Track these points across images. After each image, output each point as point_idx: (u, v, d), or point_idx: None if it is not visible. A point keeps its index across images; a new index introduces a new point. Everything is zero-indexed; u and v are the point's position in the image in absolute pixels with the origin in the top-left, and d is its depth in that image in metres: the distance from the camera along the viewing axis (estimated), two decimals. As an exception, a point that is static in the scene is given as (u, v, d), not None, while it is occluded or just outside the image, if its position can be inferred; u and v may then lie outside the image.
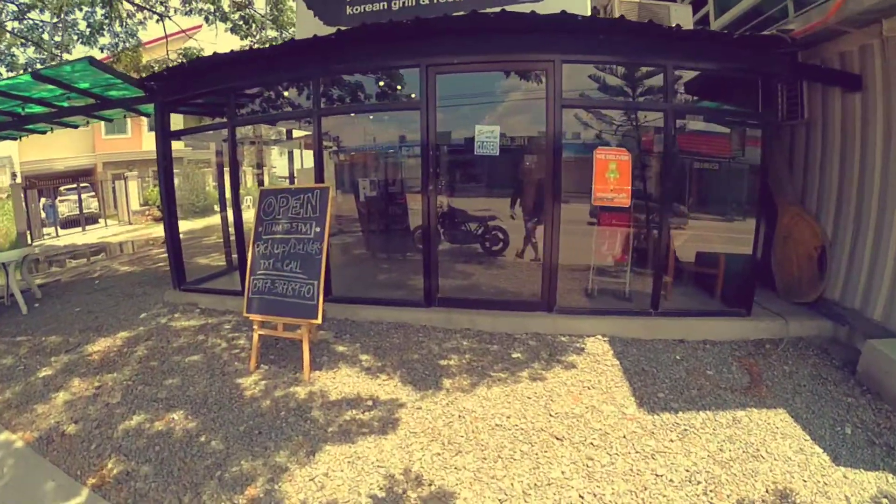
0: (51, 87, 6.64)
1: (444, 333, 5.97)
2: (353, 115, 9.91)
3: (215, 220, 21.93)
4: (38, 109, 7.80)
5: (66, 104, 7.58)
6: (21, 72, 12.62)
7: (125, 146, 25.77)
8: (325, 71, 6.41)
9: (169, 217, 7.56)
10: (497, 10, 5.20)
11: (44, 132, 9.69)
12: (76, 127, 9.47)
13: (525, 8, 5.43)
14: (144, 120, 25.40)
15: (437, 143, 6.06)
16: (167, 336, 6.18)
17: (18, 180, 20.54)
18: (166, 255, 8.38)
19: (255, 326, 5.21)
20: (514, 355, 5.40)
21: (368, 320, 6.31)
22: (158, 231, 19.95)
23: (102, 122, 25.81)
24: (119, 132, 25.90)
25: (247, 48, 9.63)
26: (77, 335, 6.50)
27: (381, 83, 7.19)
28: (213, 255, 11.28)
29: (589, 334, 5.73)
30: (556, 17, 5.03)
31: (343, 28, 5.56)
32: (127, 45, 14.73)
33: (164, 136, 7.42)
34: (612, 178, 5.87)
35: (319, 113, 6.38)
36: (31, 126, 8.84)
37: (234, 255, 8.57)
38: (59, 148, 23.60)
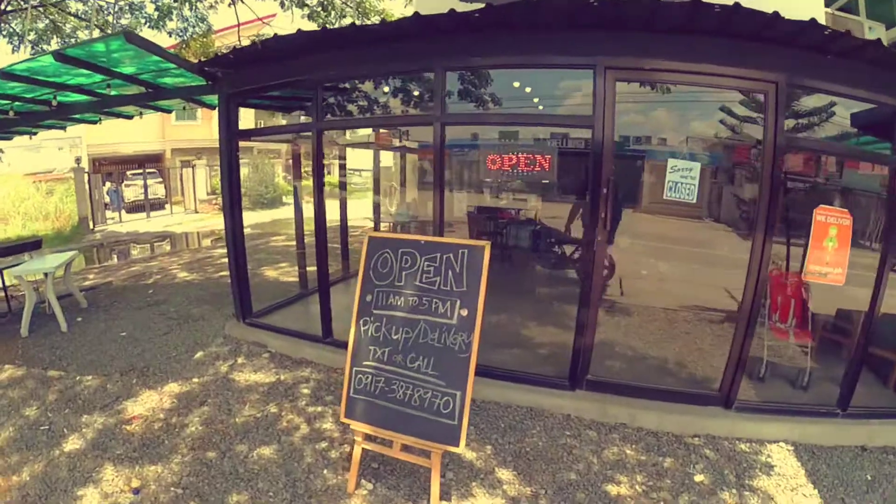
0: (85, 71, 5.21)
1: (597, 431, 4.28)
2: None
3: (283, 213, 21.11)
4: (74, 98, 6.43)
5: (112, 92, 6.12)
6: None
7: (194, 133, 25.21)
8: (455, 60, 4.72)
9: (233, 240, 6.06)
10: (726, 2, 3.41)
11: (94, 122, 8.36)
12: (129, 117, 8.15)
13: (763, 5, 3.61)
14: (215, 104, 25.01)
15: (610, 179, 4.27)
16: (229, 400, 4.68)
17: (83, 164, 19.94)
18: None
19: (357, 438, 3.58)
20: (697, 478, 3.77)
21: (493, 401, 4.64)
22: (223, 222, 18.96)
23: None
24: (189, 118, 25.35)
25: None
26: (117, 379, 5.10)
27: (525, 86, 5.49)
28: (283, 266, 9.90)
29: (771, 440, 4.29)
30: (796, 24, 3.35)
31: (495, 4, 3.88)
32: (196, 29, 13.64)
33: (230, 136, 5.89)
34: (830, 247, 4.21)
35: (442, 119, 4.67)
36: (77, 116, 7.51)
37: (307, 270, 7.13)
38: (127, 132, 22.99)
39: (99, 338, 6.21)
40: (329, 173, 25.56)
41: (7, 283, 7.35)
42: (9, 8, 10.15)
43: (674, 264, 9.23)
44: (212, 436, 4.14)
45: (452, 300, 3.47)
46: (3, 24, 10.41)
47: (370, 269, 3.78)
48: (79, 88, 5.97)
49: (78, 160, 20.01)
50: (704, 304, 7.05)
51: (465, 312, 3.42)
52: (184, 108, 7.48)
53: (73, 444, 4.10)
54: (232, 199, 5.94)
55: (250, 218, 19.38)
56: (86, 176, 18.69)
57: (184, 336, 6.18)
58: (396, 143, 11.01)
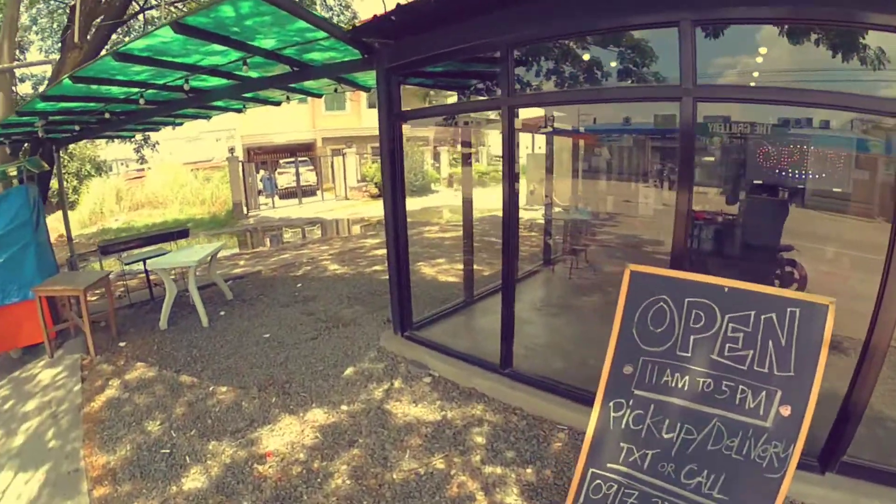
0: (219, 47, 4.34)
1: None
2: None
3: (432, 201, 20.88)
4: (211, 82, 5.68)
5: (251, 74, 5.26)
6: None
7: (344, 123, 25.48)
8: (706, 11, 3.13)
9: (395, 239, 5.05)
10: None
11: (238, 110, 7.74)
12: (277, 103, 7.47)
13: None
14: (364, 96, 25.03)
15: None
16: (384, 443, 3.63)
17: (237, 153, 20.69)
18: (384, 253, 6.22)
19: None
20: None
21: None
22: (374, 209, 18.87)
23: (322, 99, 26.33)
24: (338, 108, 25.69)
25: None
26: (254, 395, 4.31)
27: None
28: (440, 262, 8.89)
29: None
30: None
31: None
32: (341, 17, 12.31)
33: (392, 119, 4.82)
34: None
35: (695, 94, 3.09)
36: (219, 103, 6.87)
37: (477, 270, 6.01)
38: (279, 122, 23.91)
39: (240, 338, 5.55)
40: (478, 161, 24.60)
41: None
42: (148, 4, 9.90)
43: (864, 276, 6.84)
44: (362, 497, 3.09)
45: (769, 390, 2.15)
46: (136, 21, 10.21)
47: (633, 323, 2.52)
48: (214, 70, 5.20)
49: (231, 150, 20.87)
50: None
51: (786, 411, 2.08)
52: (336, 91, 6.57)
53: (193, 480, 3.31)
54: (395, 193, 4.91)
55: None
56: (240, 164, 19.35)
57: (332, 344, 5.32)
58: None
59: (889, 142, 10.17)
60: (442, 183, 24.63)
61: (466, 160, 7.71)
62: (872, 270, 2.72)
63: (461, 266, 8.58)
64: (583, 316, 6.18)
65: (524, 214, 14.19)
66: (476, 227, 13.63)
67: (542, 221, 9.43)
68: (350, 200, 22.28)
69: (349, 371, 4.69)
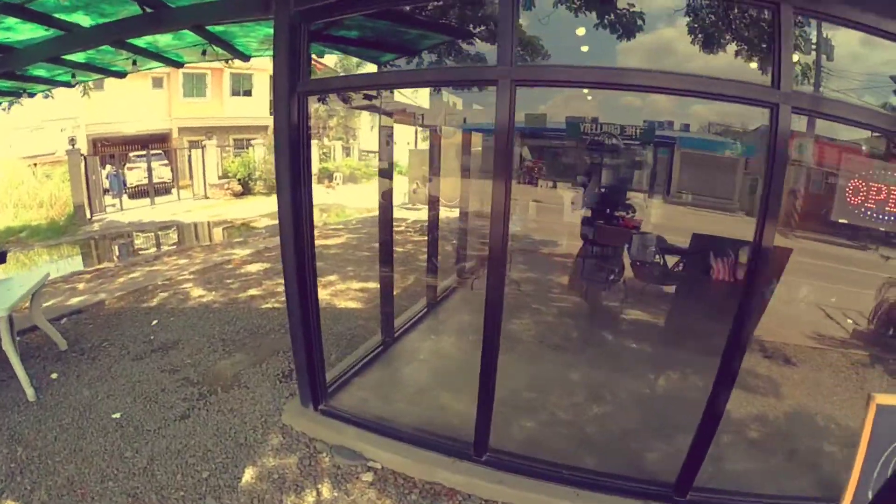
0: None
1: None
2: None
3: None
4: (23, 34, 3.80)
5: (79, 20, 3.50)
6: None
7: (204, 111, 22.59)
8: None
9: (299, 275, 3.44)
10: None
11: (67, 83, 5.63)
12: (122, 74, 5.51)
13: None
14: (226, 80, 22.38)
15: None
16: None
17: (80, 146, 17.31)
18: (259, 269, 5.89)
19: None
20: None
21: None
22: (237, 209, 16.89)
23: (180, 84, 23.34)
24: (198, 94, 22.77)
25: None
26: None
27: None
28: (332, 280, 7.34)
29: None
30: None
31: None
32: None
33: (295, 94, 3.17)
34: None
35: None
36: (40, 73, 4.88)
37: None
38: (130, 109, 20.81)
39: (81, 421, 3.69)
40: (348, 155, 23.03)
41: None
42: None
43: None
44: None
45: None
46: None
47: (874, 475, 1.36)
48: (21, 8, 3.36)
49: (72, 141, 17.34)
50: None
51: None
52: (204, 53, 4.81)
53: None
54: (297, 203, 3.32)
55: (267, 205, 17.14)
56: (82, 159, 16.14)
57: (214, 425, 3.65)
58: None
59: (747, 144, 10.98)
60: (311, 179, 22.68)
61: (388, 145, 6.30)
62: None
63: (361, 285, 7.14)
64: (531, 350, 5.06)
65: (408, 215, 13.00)
66: (356, 231, 12.30)
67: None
68: (210, 200, 19.76)
69: (249, 475, 3.10)
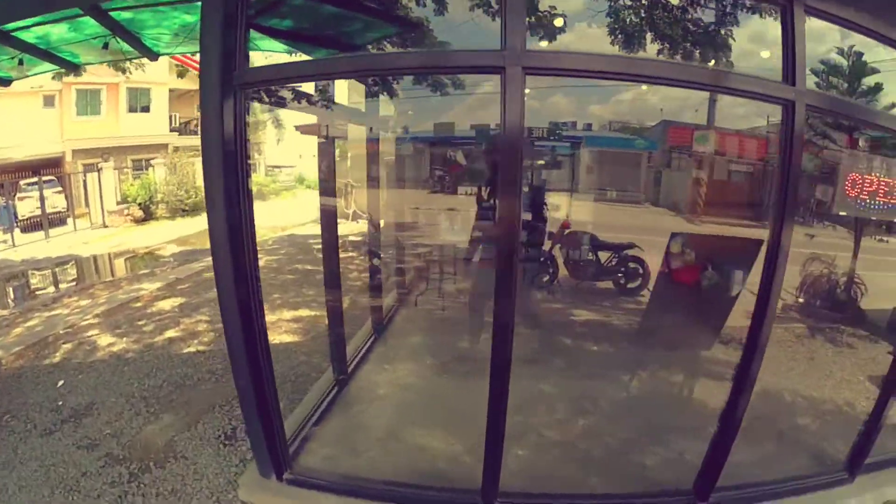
0: None
1: None
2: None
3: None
4: None
5: None
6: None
7: (99, 130, 20.66)
8: None
9: (243, 313, 2.76)
10: None
11: None
12: (7, 82, 4.66)
13: None
14: (122, 95, 20.70)
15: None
16: None
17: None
18: (172, 306, 5.48)
19: None
20: None
21: None
22: (140, 236, 15.68)
23: (73, 102, 21.27)
24: (92, 112, 20.91)
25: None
26: None
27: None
28: (283, 317, 6.61)
29: None
30: None
31: None
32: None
33: (230, 89, 2.54)
34: None
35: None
36: None
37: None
38: (17, 132, 18.72)
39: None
40: (254, 171, 21.95)
41: None
42: None
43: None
44: None
45: None
46: None
47: None
48: None
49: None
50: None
51: None
52: (105, 47, 4.04)
53: None
54: (232, 228, 2.68)
55: (173, 230, 16.22)
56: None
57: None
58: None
59: (648, 140, 11.79)
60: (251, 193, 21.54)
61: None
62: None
63: (293, 314, 6.51)
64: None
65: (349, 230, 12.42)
66: (274, 252, 11.46)
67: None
68: (110, 228, 18.04)
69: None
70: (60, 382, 4.79)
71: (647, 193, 12.80)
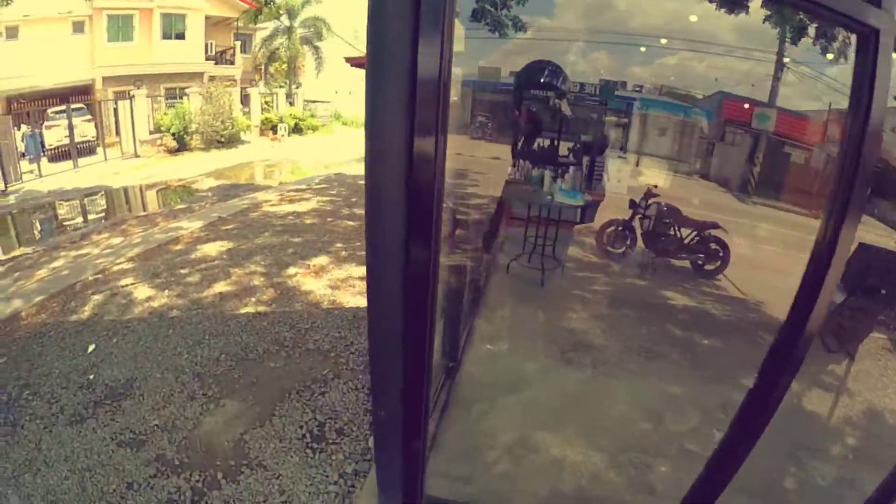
0: None
1: None
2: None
3: (245, 153, 17.50)
4: None
5: None
6: None
7: (131, 56, 19.76)
8: None
9: (406, 312, 1.38)
10: None
11: None
12: None
13: None
14: (156, 21, 19.66)
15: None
16: None
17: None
18: (220, 250, 4.81)
19: None
20: None
21: None
22: (174, 169, 15.03)
23: (104, 28, 20.34)
24: (124, 38, 19.93)
25: None
26: None
27: None
28: (322, 265, 5.65)
29: None
30: None
31: None
32: None
33: None
34: None
35: None
36: None
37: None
38: (46, 59, 18.01)
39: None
40: (292, 104, 20.81)
41: None
42: None
43: None
44: None
45: None
46: None
47: None
48: None
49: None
50: None
51: None
52: None
53: None
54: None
55: (208, 162, 15.58)
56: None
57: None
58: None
59: (704, 110, 10.55)
60: (253, 131, 20.79)
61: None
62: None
63: (363, 271, 5.45)
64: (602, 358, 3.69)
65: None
66: (324, 193, 10.44)
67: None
68: (142, 158, 17.34)
69: None
70: (91, 347, 3.88)
71: (699, 166, 11.95)
